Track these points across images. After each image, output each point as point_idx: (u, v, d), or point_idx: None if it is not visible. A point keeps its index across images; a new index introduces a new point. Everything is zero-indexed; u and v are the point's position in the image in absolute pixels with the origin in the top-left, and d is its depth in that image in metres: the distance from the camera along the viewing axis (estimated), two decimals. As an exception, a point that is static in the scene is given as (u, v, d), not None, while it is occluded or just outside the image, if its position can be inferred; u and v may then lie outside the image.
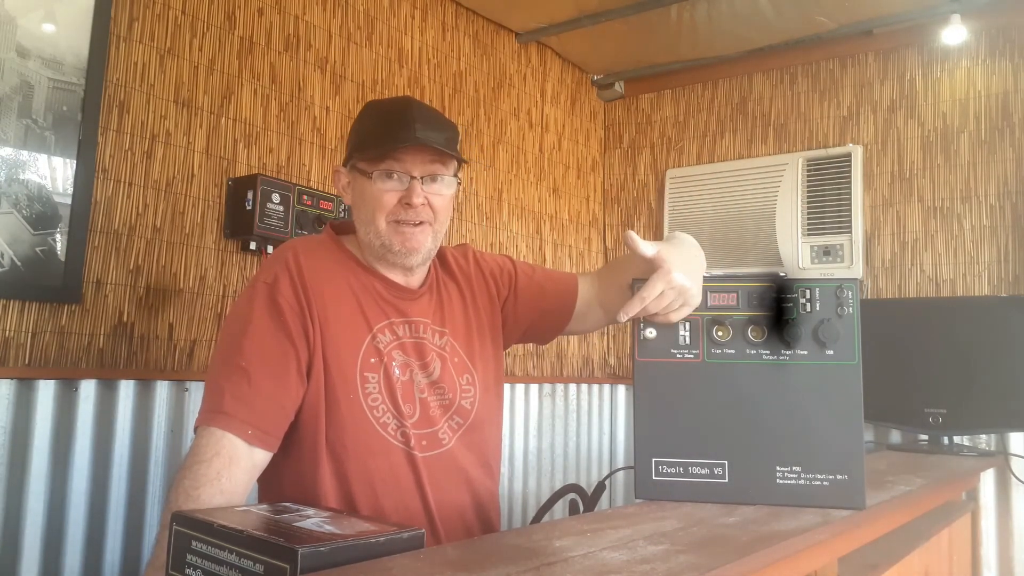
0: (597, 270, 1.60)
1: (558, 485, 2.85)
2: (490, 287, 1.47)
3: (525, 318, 1.49)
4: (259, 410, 1.16)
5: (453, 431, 1.32)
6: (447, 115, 2.79)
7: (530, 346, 3.02)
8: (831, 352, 1.11)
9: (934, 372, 2.29)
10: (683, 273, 1.12)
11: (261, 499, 1.29)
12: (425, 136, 1.27)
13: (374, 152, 1.28)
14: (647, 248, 1.15)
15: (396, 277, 1.35)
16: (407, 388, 1.29)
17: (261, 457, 1.17)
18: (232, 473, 1.12)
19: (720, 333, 1.14)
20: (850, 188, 2.86)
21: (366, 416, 1.24)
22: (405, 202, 1.27)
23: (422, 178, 1.28)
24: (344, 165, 1.36)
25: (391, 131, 1.28)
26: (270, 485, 1.27)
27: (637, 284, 1.16)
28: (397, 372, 1.28)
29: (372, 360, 1.27)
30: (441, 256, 1.44)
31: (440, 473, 1.28)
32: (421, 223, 1.29)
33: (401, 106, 1.34)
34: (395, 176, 1.27)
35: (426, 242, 1.31)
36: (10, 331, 1.69)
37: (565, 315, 1.49)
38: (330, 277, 1.29)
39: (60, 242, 1.76)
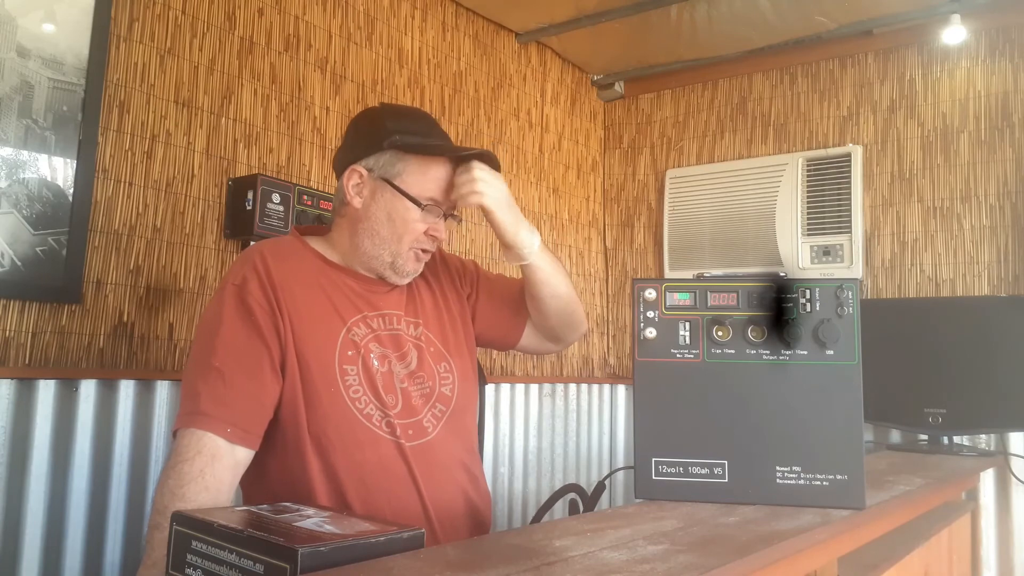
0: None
1: (558, 485, 2.86)
2: (455, 281, 1.52)
3: (484, 317, 1.53)
4: (237, 408, 1.17)
5: (437, 419, 1.34)
6: (447, 116, 2.80)
7: (530, 346, 3.02)
8: (831, 352, 1.11)
9: (934, 372, 2.29)
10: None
11: (246, 500, 1.29)
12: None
13: (431, 179, 1.32)
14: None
15: (369, 274, 1.37)
16: (387, 379, 1.30)
17: (243, 455, 1.18)
18: (215, 470, 1.13)
19: (720, 333, 1.14)
20: (850, 188, 2.86)
21: (349, 408, 1.25)
22: (433, 234, 1.34)
23: (445, 214, 1.36)
24: (367, 169, 1.34)
25: (448, 161, 1.34)
26: (257, 484, 1.27)
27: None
28: (376, 363, 1.29)
29: (349, 353, 1.28)
30: None
31: (429, 462, 1.29)
32: (428, 251, 1.37)
33: (439, 131, 1.41)
34: (435, 209, 1.34)
35: (422, 268, 1.40)
36: (10, 331, 1.69)
37: (521, 321, 1.54)
38: (299, 275, 1.30)
39: (60, 242, 1.77)
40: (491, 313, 1.53)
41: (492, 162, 1.36)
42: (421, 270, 1.39)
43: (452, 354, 1.42)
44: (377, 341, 1.32)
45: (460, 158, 1.34)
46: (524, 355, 3.00)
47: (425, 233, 1.33)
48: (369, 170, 1.33)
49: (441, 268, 1.51)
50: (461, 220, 1.43)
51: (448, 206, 1.36)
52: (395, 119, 1.35)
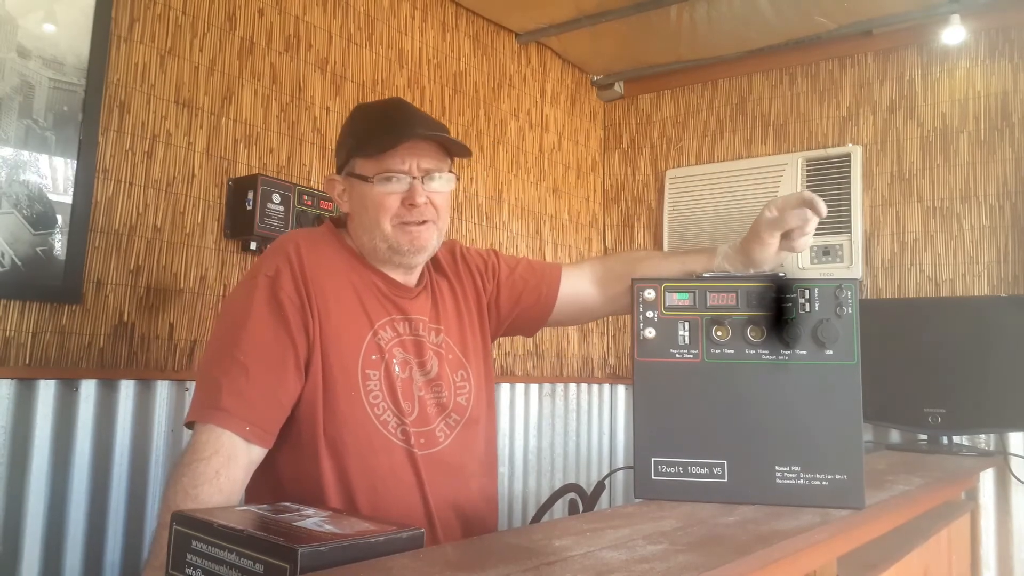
0: (601, 260, 1.61)
1: (558, 485, 2.86)
2: (476, 282, 1.49)
3: (508, 312, 1.51)
4: (257, 406, 1.16)
5: (450, 428, 1.33)
6: (447, 116, 2.80)
7: (530, 346, 3.02)
8: (830, 352, 1.11)
9: (934, 372, 2.29)
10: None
11: (252, 493, 1.28)
12: (423, 131, 1.29)
13: (372, 153, 1.28)
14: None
15: (396, 275, 1.36)
16: (407, 386, 1.29)
17: (257, 454, 1.18)
18: (230, 472, 1.13)
19: (719, 333, 1.14)
20: (850, 188, 2.86)
21: (367, 413, 1.24)
22: (408, 203, 1.28)
23: (421, 178, 1.29)
24: (338, 173, 1.36)
25: (388, 131, 1.29)
26: (266, 481, 1.25)
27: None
28: (397, 370, 1.28)
29: (374, 357, 1.27)
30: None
31: (437, 471, 1.29)
32: (425, 221, 1.30)
33: (393, 106, 1.36)
34: (394, 179, 1.28)
35: (431, 239, 1.33)
36: (11, 331, 1.69)
37: (547, 307, 1.50)
38: (331, 272, 1.29)
39: (61, 242, 1.77)
40: (513, 304, 1.50)
41: (460, 149, 1.33)
42: (429, 245, 1.32)
43: (470, 360, 1.40)
44: (401, 346, 1.31)
45: (422, 123, 1.31)
46: (524, 356, 3.00)
47: (402, 204, 1.28)
48: (339, 172, 1.36)
49: (463, 270, 1.48)
50: (456, 178, 1.36)
51: (420, 171, 1.29)
52: (361, 123, 1.34)
